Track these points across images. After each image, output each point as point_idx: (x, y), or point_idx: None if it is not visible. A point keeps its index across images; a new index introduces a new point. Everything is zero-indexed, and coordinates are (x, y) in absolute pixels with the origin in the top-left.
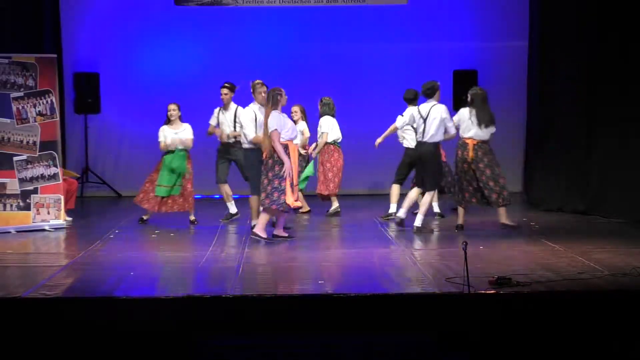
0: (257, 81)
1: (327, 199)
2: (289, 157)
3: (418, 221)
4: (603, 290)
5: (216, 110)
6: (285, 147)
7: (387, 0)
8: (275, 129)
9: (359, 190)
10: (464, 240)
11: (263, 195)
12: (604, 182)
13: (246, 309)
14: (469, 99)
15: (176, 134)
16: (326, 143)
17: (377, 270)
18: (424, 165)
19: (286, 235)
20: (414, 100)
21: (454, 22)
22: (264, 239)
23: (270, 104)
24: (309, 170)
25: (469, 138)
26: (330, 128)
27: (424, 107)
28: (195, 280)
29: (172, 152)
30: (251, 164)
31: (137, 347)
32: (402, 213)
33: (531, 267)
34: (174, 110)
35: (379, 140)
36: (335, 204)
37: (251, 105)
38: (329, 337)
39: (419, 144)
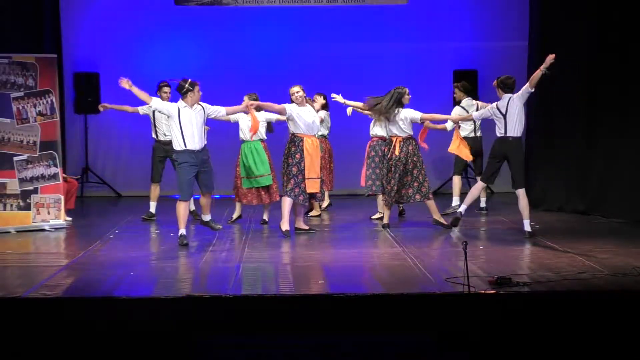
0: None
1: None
2: (304, 150)
3: (527, 226)
4: (603, 290)
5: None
6: (301, 140)
7: (387, 0)
8: (284, 106)
9: (359, 190)
10: (464, 240)
11: (287, 187)
12: (604, 182)
13: (246, 309)
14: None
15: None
16: (322, 138)
17: (377, 270)
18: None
19: (307, 228)
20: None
21: (454, 22)
22: (284, 233)
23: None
24: None
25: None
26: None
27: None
28: (195, 280)
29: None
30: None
31: (137, 347)
32: (463, 208)
33: (531, 267)
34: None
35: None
36: (327, 199)
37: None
38: (329, 337)
39: (502, 139)
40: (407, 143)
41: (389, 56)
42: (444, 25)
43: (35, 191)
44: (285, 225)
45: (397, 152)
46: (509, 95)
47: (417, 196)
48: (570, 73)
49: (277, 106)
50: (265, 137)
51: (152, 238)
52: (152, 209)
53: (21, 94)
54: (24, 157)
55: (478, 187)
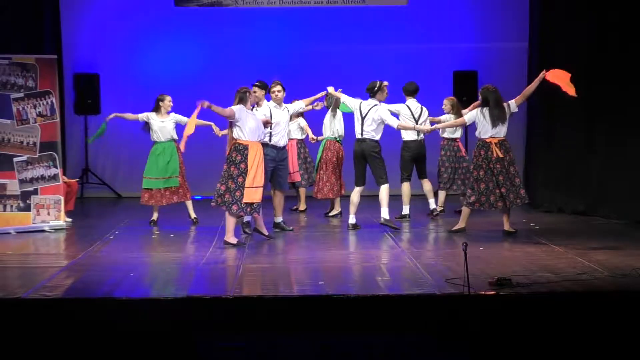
0: (272, 82)
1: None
2: (247, 159)
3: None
4: (603, 291)
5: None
6: (245, 148)
7: (387, 1)
8: (231, 108)
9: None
10: (464, 241)
11: (230, 199)
12: (604, 183)
13: (246, 309)
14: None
15: (162, 122)
16: (335, 140)
17: (377, 271)
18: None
19: (266, 234)
20: (413, 93)
21: (454, 23)
22: (234, 244)
23: (236, 101)
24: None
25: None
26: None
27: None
28: (196, 281)
29: (159, 142)
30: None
31: (137, 348)
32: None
33: (531, 268)
34: (169, 102)
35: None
36: (338, 209)
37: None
38: (328, 337)
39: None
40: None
41: (389, 57)
42: (444, 26)
43: (35, 192)
44: (232, 239)
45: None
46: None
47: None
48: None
49: (227, 110)
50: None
51: (152, 239)
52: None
53: (21, 94)
54: (24, 158)
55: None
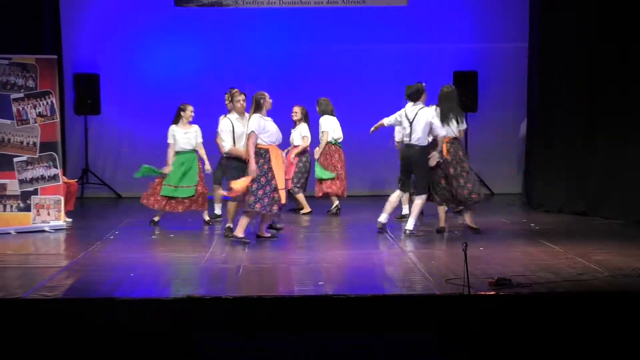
0: (235, 90)
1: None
2: (270, 161)
3: (410, 225)
4: (603, 291)
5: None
6: (266, 151)
7: (387, 2)
8: (253, 131)
9: (359, 191)
10: (464, 241)
11: (252, 198)
12: (604, 183)
13: (246, 310)
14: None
15: (185, 133)
16: (327, 143)
17: (377, 271)
18: (412, 168)
19: (269, 235)
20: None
21: (454, 23)
22: (240, 239)
23: (253, 108)
24: (322, 173)
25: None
26: (329, 127)
27: (411, 109)
28: (196, 281)
29: (182, 152)
30: (231, 169)
31: (137, 348)
32: (383, 218)
33: (531, 268)
34: (191, 112)
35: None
36: (335, 202)
37: (228, 115)
38: (328, 337)
39: (407, 146)
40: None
41: (389, 57)
42: (444, 26)
43: (35, 192)
44: (242, 234)
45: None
46: (421, 105)
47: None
48: (570, 74)
49: (250, 143)
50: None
51: (152, 239)
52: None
53: (21, 95)
54: (24, 158)
55: (395, 195)
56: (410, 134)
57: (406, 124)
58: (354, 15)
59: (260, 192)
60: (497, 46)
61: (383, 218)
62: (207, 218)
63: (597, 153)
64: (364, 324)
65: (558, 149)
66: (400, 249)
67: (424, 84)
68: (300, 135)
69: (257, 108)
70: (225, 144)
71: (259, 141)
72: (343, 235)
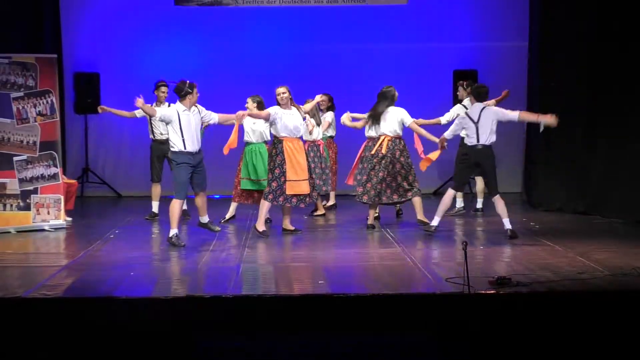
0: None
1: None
2: (284, 152)
3: (508, 224)
4: (603, 290)
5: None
6: (280, 142)
7: (387, 0)
8: (268, 111)
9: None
10: (464, 240)
11: (267, 189)
12: (604, 182)
13: (246, 309)
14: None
15: (254, 123)
16: (330, 138)
17: (377, 270)
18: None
19: (293, 228)
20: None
21: (454, 22)
22: (261, 233)
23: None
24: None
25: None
26: (332, 120)
27: (473, 109)
28: (195, 281)
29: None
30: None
31: (137, 347)
32: (436, 222)
33: (531, 268)
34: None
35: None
36: (332, 200)
37: (175, 105)
38: (329, 337)
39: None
40: (395, 143)
41: (389, 56)
42: (444, 25)
43: (35, 191)
44: (260, 227)
45: (383, 150)
46: (482, 104)
47: (409, 194)
48: (570, 73)
49: (263, 113)
50: (269, 138)
51: (152, 238)
52: (155, 209)
53: (21, 94)
54: (24, 157)
55: (450, 194)
56: (477, 135)
57: (471, 125)
58: (354, 14)
59: (274, 184)
60: (497, 45)
61: (436, 222)
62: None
63: (597, 152)
64: (364, 324)
65: (558, 147)
66: (400, 248)
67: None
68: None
69: (278, 103)
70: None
71: (275, 132)
72: (343, 234)
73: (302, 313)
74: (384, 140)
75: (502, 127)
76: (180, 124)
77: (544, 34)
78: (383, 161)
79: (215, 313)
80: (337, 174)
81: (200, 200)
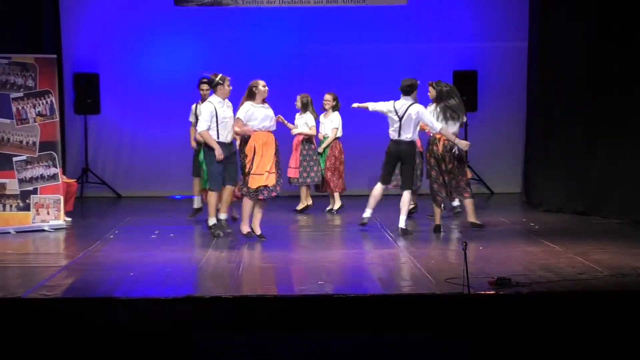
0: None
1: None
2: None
3: (402, 222)
4: (603, 290)
5: (193, 106)
6: (250, 137)
7: (386, 1)
8: (238, 117)
9: (359, 191)
10: (464, 241)
11: (245, 189)
12: (604, 182)
13: (246, 309)
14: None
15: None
16: (336, 139)
17: (377, 270)
18: (402, 162)
19: (260, 232)
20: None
21: (454, 22)
22: (245, 235)
23: (246, 96)
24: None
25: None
26: (340, 124)
27: (401, 104)
28: (195, 281)
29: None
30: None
31: (136, 348)
32: (368, 213)
33: (531, 268)
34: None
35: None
36: (339, 202)
37: (210, 98)
38: (328, 337)
39: (395, 142)
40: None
41: (389, 56)
42: (443, 25)
43: (34, 192)
44: (245, 228)
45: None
46: (411, 100)
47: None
48: (570, 73)
49: (242, 126)
50: None
51: (152, 239)
52: (196, 204)
53: (21, 94)
54: (24, 157)
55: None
56: (399, 130)
57: (395, 119)
58: (354, 15)
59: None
60: (497, 45)
61: (368, 213)
62: (235, 215)
63: (597, 152)
64: (363, 324)
65: (558, 148)
66: (400, 249)
67: (418, 81)
68: (308, 125)
69: (250, 96)
70: (202, 125)
71: (246, 127)
72: (342, 234)
73: (302, 313)
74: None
75: (503, 126)
76: (217, 115)
77: (543, 34)
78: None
79: (215, 314)
80: (343, 176)
81: (226, 194)
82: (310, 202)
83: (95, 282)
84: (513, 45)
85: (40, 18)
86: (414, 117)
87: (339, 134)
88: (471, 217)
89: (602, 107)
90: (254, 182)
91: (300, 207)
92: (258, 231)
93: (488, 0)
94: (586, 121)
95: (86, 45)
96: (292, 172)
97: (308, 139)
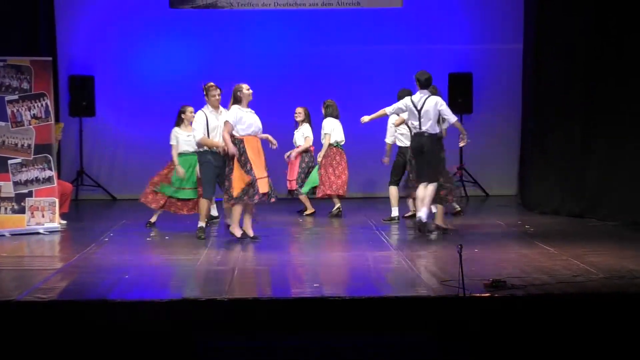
0: (210, 84)
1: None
2: (246, 152)
3: (423, 214)
4: (598, 293)
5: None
6: (241, 142)
7: (382, 3)
8: (227, 121)
9: (357, 193)
10: (459, 243)
11: (226, 195)
12: (600, 185)
13: (241, 312)
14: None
15: (188, 136)
16: (329, 145)
17: (373, 273)
18: (424, 156)
19: (243, 232)
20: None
21: (449, 24)
22: (238, 237)
23: (232, 101)
24: (314, 177)
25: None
26: (332, 129)
27: (418, 97)
28: (191, 283)
29: (184, 154)
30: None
31: (132, 350)
32: (423, 214)
33: (526, 270)
34: (191, 113)
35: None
36: (337, 204)
37: (202, 108)
38: (328, 337)
39: (418, 135)
40: None
41: (384, 59)
42: (439, 28)
43: (29, 194)
44: (237, 231)
45: None
46: (428, 93)
47: None
48: (566, 75)
49: (225, 132)
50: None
51: (147, 241)
52: (213, 212)
53: (16, 97)
54: (19, 160)
55: (421, 189)
56: (419, 123)
57: (415, 112)
58: (349, 17)
59: (227, 184)
60: (492, 48)
61: (423, 213)
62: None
63: (593, 154)
64: (358, 327)
65: (553, 150)
66: (395, 251)
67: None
68: (303, 135)
69: (236, 101)
70: (197, 133)
71: (234, 132)
72: (339, 237)
73: (297, 316)
74: None
75: (498, 128)
76: (208, 124)
77: (539, 36)
78: None
79: (211, 315)
80: (347, 182)
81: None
82: (313, 209)
83: (90, 285)
84: (508, 48)
85: (35, 20)
86: (433, 109)
87: (332, 140)
88: (439, 220)
89: (598, 109)
90: (264, 186)
91: (308, 212)
92: (251, 233)
93: (483, 2)
94: (582, 123)
95: (81, 47)
96: (291, 185)
97: (306, 150)
